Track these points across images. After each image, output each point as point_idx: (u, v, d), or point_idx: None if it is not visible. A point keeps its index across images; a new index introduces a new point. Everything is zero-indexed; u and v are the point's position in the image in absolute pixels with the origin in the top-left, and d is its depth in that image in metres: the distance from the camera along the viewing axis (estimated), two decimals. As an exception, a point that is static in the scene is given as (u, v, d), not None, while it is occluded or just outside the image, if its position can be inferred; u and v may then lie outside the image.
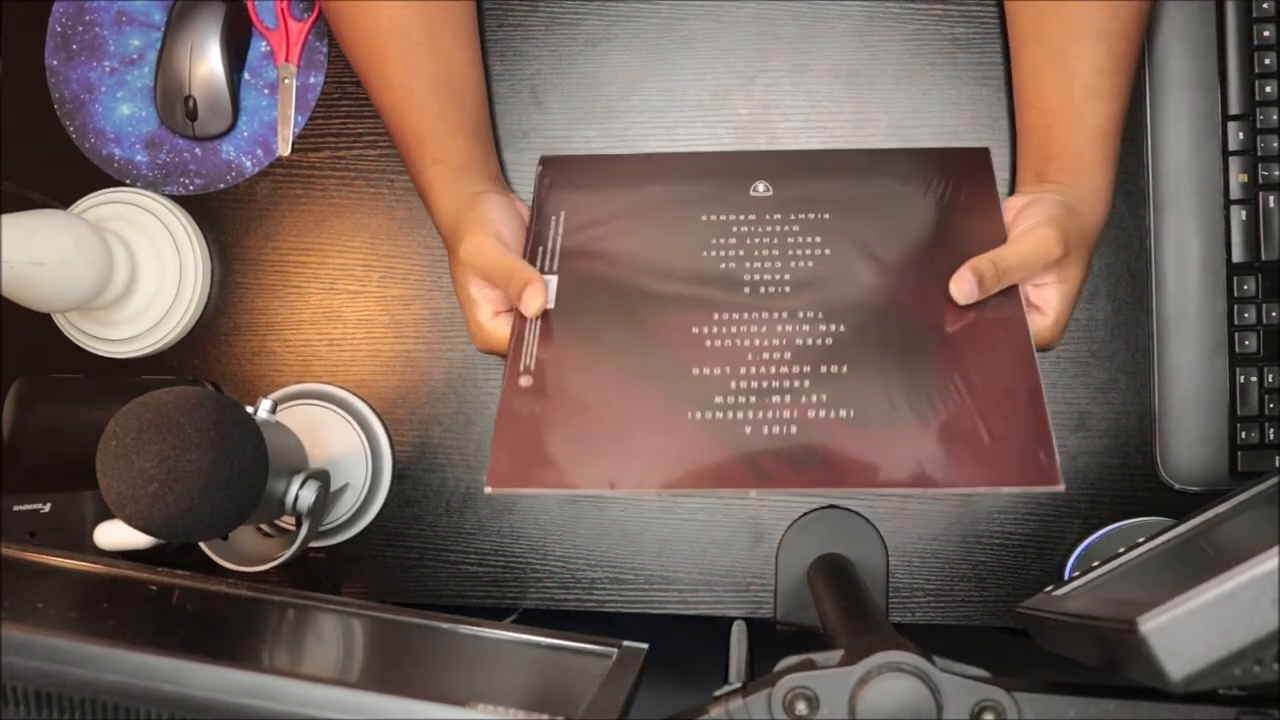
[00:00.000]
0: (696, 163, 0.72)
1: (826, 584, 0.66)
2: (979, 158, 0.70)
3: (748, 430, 0.56)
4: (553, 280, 0.64)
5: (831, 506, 0.74)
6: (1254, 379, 0.71)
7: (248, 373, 0.78)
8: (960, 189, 0.68)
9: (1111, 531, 0.71)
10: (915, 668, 0.43)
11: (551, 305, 0.63)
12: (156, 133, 0.79)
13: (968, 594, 0.74)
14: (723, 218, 0.67)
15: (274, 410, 0.65)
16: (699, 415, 0.57)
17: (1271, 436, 0.71)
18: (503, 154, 0.76)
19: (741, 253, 0.65)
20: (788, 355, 0.59)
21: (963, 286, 0.59)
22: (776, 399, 0.57)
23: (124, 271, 0.74)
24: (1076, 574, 0.53)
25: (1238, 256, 0.72)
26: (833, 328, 0.60)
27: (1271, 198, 0.71)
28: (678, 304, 0.62)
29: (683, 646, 0.68)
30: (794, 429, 0.56)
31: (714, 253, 0.65)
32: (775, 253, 0.64)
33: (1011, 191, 0.70)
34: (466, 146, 0.70)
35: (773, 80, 0.75)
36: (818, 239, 0.65)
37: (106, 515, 0.68)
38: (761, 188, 0.68)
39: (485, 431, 0.77)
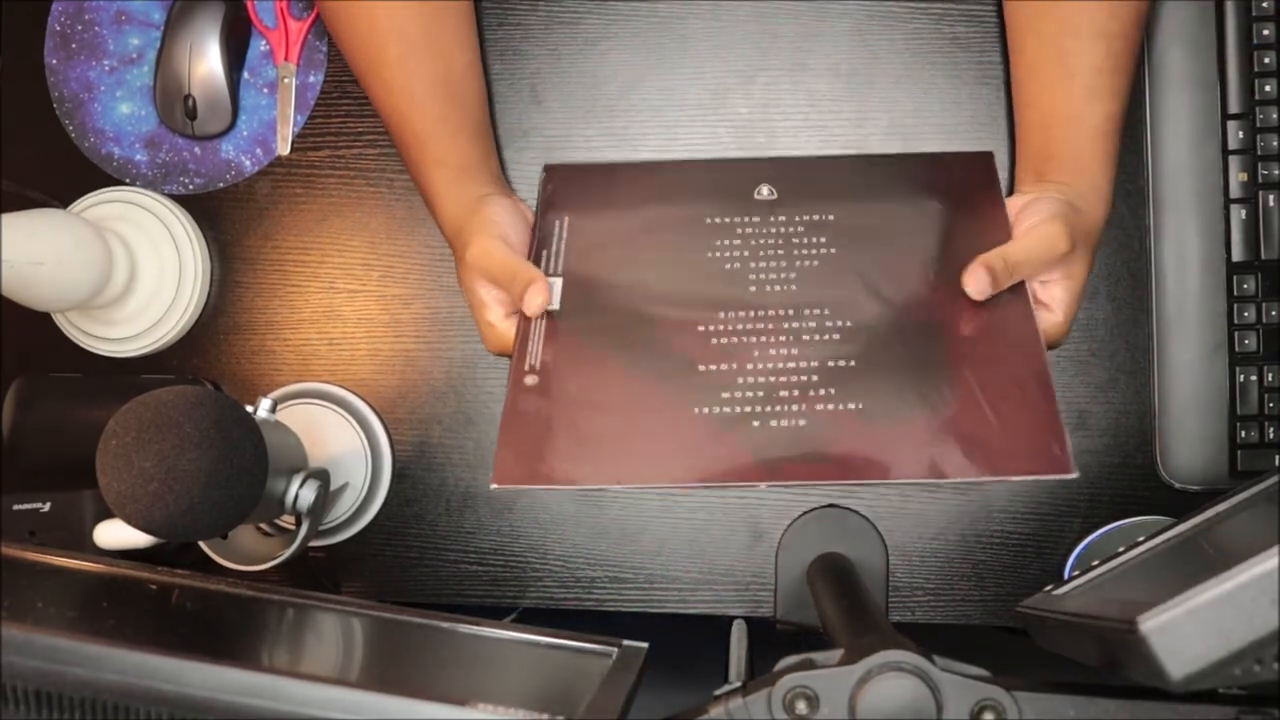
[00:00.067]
0: (700, 169, 0.73)
1: (826, 583, 0.66)
2: (983, 161, 0.70)
3: (756, 424, 0.56)
4: (557, 282, 0.64)
5: (831, 505, 0.74)
6: (1254, 378, 0.71)
7: (247, 372, 0.78)
8: (964, 191, 0.68)
9: (1111, 531, 0.71)
10: (915, 667, 0.43)
11: (556, 307, 0.63)
12: (156, 132, 0.79)
13: (967, 593, 0.74)
14: (727, 220, 0.67)
15: (274, 409, 0.65)
16: (706, 411, 0.57)
17: (1271, 435, 0.71)
18: (502, 153, 0.76)
19: (746, 253, 0.65)
20: (794, 351, 0.59)
21: (977, 281, 0.59)
22: (784, 393, 0.57)
23: (123, 271, 0.74)
24: (1076, 573, 0.53)
25: (1237, 256, 0.72)
26: (839, 323, 0.60)
27: (1271, 197, 0.71)
28: (682, 303, 0.62)
29: (683, 646, 0.68)
30: (803, 422, 0.56)
31: (718, 254, 0.65)
32: (780, 252, 0.64)
33: (1011, 191, 0.70)
34: (468, 148, 0.70)
35: (773, 79, 0.75)
36: (822, 239, 0.65)
37: (106, 515, 0.68)
38: (765, 191, 0.68)
39: (485, 431, 0.77)
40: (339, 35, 0.70)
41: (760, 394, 0.57)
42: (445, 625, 0.50)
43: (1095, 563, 0.53)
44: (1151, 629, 0.37)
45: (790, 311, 0.61)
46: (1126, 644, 0.38)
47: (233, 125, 0.78)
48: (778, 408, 0.56)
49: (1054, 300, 0.63)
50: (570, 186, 0.71)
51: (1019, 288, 0.61)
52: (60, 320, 0.78)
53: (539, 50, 0.77)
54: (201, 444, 0.56)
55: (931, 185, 0.69)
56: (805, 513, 0.74)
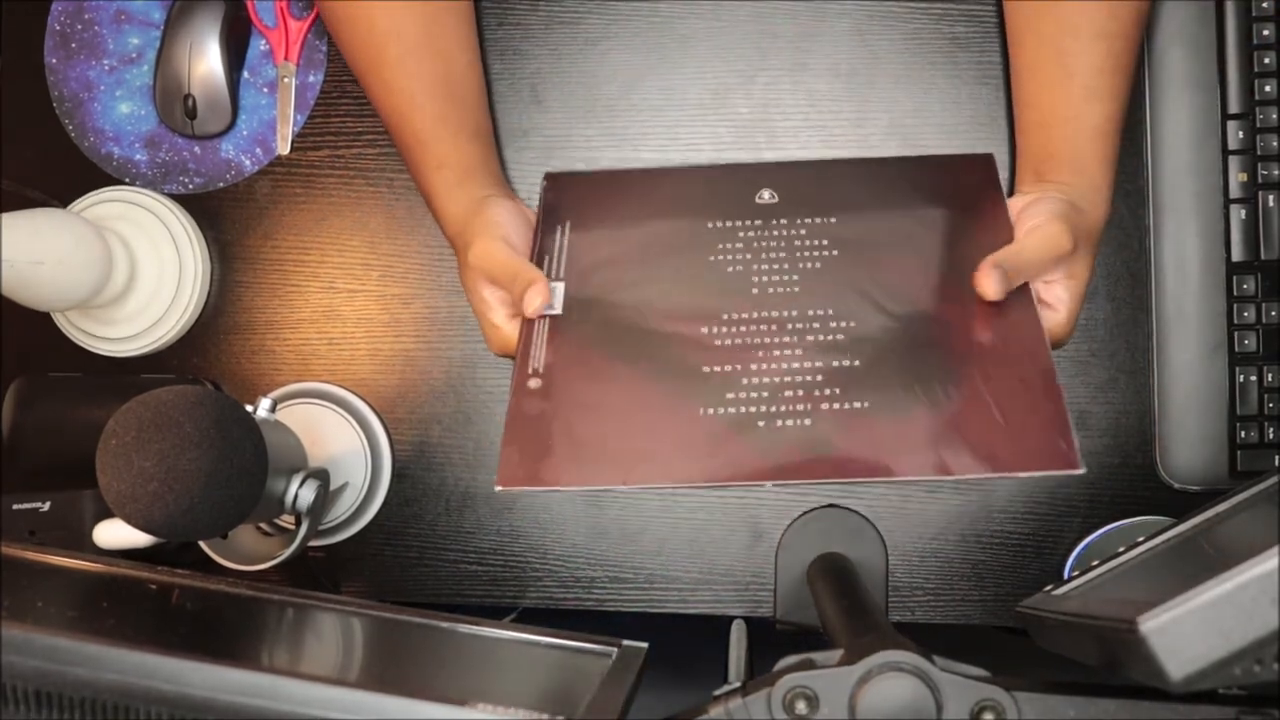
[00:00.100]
0: (701, 174, 0.73)
1: (826, 583, 0.66)
2: (984, 162, 0.70)
3: (761, 424, 0.56)
4: (559, 287, 0.64)
5: (831, 505, 0.74)
6: (1253, 378, 0.71)
7: (247, 371, 0.78)
8: (965, 192, 0.68)
9: (1111, 531, 0.71)
10: (915, 667, 0.43)
11: (558, 311, 0.63)
12: (156, 131, 0.79)
13: (967, 593, 0.74)
14: (728, 224, 0.67)
15: (273, 409, 0.65)
16: (711, 411, 0.57)
17: (1271, 436, 0.71)
18: (502, 153, 0.76)
19: (749, 256, 0.65)
20: (799, 351, 0.59)
21: (993, 282, 0.58)
22: (789, 394, 0.57)
23: (123, 270, 0.74)
24: (1076, 573, 0.53)
25: (1237, 256, 0.72)
26: (843, 324, 0.60)
27: (1271, 197, 0.71)
28: (685, 307, 0.62)
29: (682, 646, 0.68)
30: (808, 421, 0.56)
31: (721, 257, 0.65)
32: (782, 255, 0.65)
33: (1011, 192, 0.70)
34: (469, 149, 0.70)
35: (773, 79, 0.75)
36: (824, 241, 0.65)
37: (106, 514, 0.68)
38: (767, 195, 0.68)
39: (484, 430, 0.77)
40: (338, 36, 0.70)
41: (765, 394, 0.57)
42: (445, 625, 0.50)
43: (1095, 563, 0.53)
44: (1151, 629, 0.37)
45: (794, 313, 0.61)
46: (1126, 644, 0.38)
47: (232, 125, 0.78)
48: (783, 408, 0.56)
49: (1057, 300, 0.63)
50: (571, 194, 0.71)
51: (1023, 287, 0.61)
52: (60, 320, 0.78)
53: (539, 50, 0.77)
54: (201, 444, 0.56)
55: (933, 187, 0.69)
56: (805, 513, 0.74)
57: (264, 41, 0.79)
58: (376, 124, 0.77)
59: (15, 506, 0.70)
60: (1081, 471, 0.52)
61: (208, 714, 0.38)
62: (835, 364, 0.58)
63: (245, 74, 0.79)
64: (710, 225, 0.67)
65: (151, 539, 0.65)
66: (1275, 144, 0.71)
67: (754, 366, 0.58)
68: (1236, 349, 0.71)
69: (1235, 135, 0.72)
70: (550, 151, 0.76)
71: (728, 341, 0.60)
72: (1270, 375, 0.71)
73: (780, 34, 0.75)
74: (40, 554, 0.51)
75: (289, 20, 0.78)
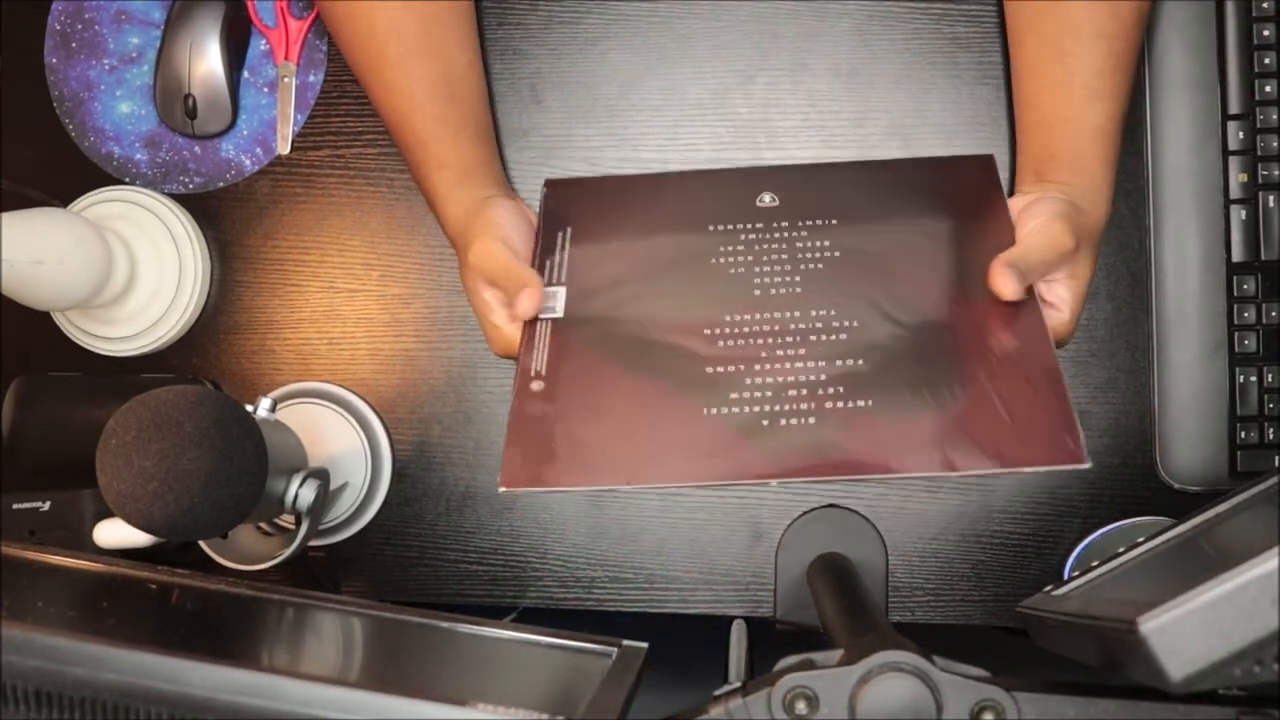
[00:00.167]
0: (701, 178, 0.73)
1: (826, 583, 0.66)
2: (984, 163, 0.70)
3: (765, 423, 0.56)
4: (561, 290, 0.64)
5: (831, 505, 0.74)
6: (1254, 379, 0.71)
7: (247, 371, 0.78)
8: (967, 193, 0.68)
9: (1111, 531, 0.71)
10: (915, 667, 0.43)
11: (560, 314, 0.63)
12: (156, 131, 0.79)
13: (967, 593, 0.74)
14: (729, 227, 0.67)
15: (273, 409, 0.65)
16: (714, 411, 0.57)
17: (1271, 436, 0.71)
18: (502, 153, 0.76)
19: (750, 258, 0.65)
20: (802, 351, 0.59)
21: (1011, 282, 0.58)
22: (793, 393, 0.57)
23: (123, 270, 0.74)
24: (1076, 574, 0.53)
25: (1237, 256, 0.72)
26: (846, 324, 0.60)
27: (1271, 197, 0.71)
28: (687, 308, 0.62)
29: (682, 646, 0.68)
30: (812, 420, 0.56)
31: (722, 260, 0.65)
32: (784, 256, 0.65)
33: (1011, 192, 0.70)
34: (470, 149, 0.70)
35: (773, 79, 0.75)
36: (826, 242, 0.65)
37: (106, 514, 0.68)
38: (768, 198, 0.68)
39: (485, 430, 0.77)
40: (339, 36, 0.70)
41: (769, 394, 0.57)
42: (445, 625, 0.50)
43: (1095, 563, 0.53)
44: (1151, 629, 0.37)
45: (796, 313, 0.61)
46: (1126, 644, 0.38)
47: (233, 124, 0.78)
48: (787, 407, 0.56)
49: (1059, 299, 0.63)
50: (572, 199, 0.71)
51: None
52: (60, 319, 0.78)
53: (539, 50, 0.77)
54: (201, 443, 0.56)
55: (933, 188, 0.69)
56: (805, 513, 0.74)
57: (264, 41, 0.79)
58: (377, 124, 0.77)
59: (15, 506, 0.70)
60: (1087, 466, 0.52)
61: (208, 714, 0.38)
62: (839, 363, 0.58)
63: (245, 74, 0.79)
64: (711, 229, 0.67)
65: (151, 539, 0.65)
66: (1275, 144, 0.71)
67: (757, 367, 0.58)
68: (1236, 349, 0.71)
69: (1235, 135, 0.72)
70: (550, 151, 0.76)
71: (730, 343, 0.60)
72: (1270, 376, 0.71)
73: (780, 34, 0.75)
74: (40, 554, 0.51)
75: (289, 20, 0.78)
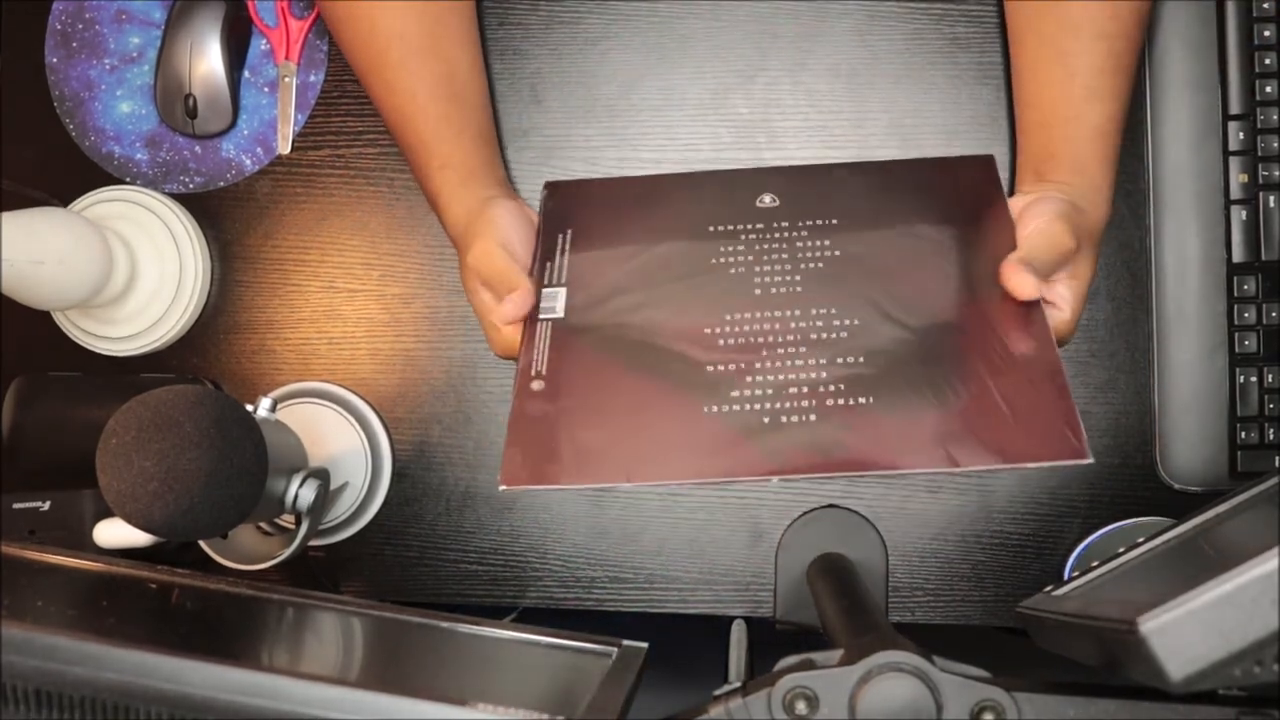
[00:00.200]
0: (701, 180, 0.73)
1: (826, 583, 0.66)
2: (984, 163, 0.70)
3: (766, 420, 0.56)
4: (561, 291, 0.64)
5: (831, 505, 0.74)
6: (1254, 379, 0.71)
7: (247, 371, 0.78)
8: (967, 192, 0.68)
9: (1111, 531, 0.71)
10: (915, 667, 0.43)
11: (561, 315, 0.63)
12: (156, 131, 0.79)
13: (967, 593, 0.74)
14: (730, 227, 0.67)
15: (274, 409, 0.65)
16: (715, 409, 0.57)
17: (1271, 436, 0.71)
18: (503, 153, 0.76)
19: (750, 258, 0.65)
20: (803, 349, 0.59)
21: (1025, 279, 0.58)
22: (794, 390, 0.57)
23: (124, 270, 0.74)
24: (1076, 574, 0.53)
25: (1238, 256, 0.72)
26: (847, 322, 0.60)
27: (1271, 198, 0.71)
28: (687, 308, 0.62)
29: (683, 646, 0.68)
30: (813, 417, 0.56)
31: (722, 260, 0.65)
32: (784, 256, 0.65)
33: (1011, 192, 0.70)
34: (473, 149, 0.70)
35: (773, 79, 0.75)
36: (826, 242, 0.65)
37: (106, 513, 0.68)
38: (768, 199, 0.68)
39: (485, 430, 0.77)
40: (340, 37, 0.70)
41: (769, 392, 0.57)
42: (445, 625, 0.50)
43: (1095, 563, 0.53)
44: (1151, 629, 0.37)
45: (797, 313, 0.61)
46: (1126, 644, 0.38)
47: (233, 124, 0.78)
48: (788, 405, 0.56)
49: (1060, 298, 0.63)
50: (572, 200, 0.71)
51: None
52: (60, 319, 0.78)
53: (539, 50, 0.77)
54: (201, 443, 0.56)
55: (934, 188, 0.69)
56: (805, 513, 0.74)
57: (265, 41, 0.79)
58: (377, 123, 0.77)
59: (15, 506, 0.70)
60: (1089, 461, 0.52)
61: (208, 714, 0.38)
62: (840, 361, 0.58)
63: (246, 73, 0.79)
64: (711, 229, 0.67)
65: (151, 538, 0.65)
66: (1276, 145, 0.71)
67: (758, 365, 0.59)
68: (1237, 350, 0.71)
69: (1236, 136, 0.72)
70: (550, 151, 0.76)
71: (730, 341, 0.60)
72: (1270, 376, 0.71)
73: (780, 34, 0.75)
74: (40, 553, 0.51)
75: (290, 20, 0.78)
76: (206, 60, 0.77)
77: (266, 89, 0.79)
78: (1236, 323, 0.71)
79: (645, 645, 0.47)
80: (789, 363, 0.58)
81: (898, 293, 0.62)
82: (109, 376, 0.78)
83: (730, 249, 0.66)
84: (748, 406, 0.57)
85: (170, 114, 0.78)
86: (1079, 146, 0.66)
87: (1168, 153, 0.73)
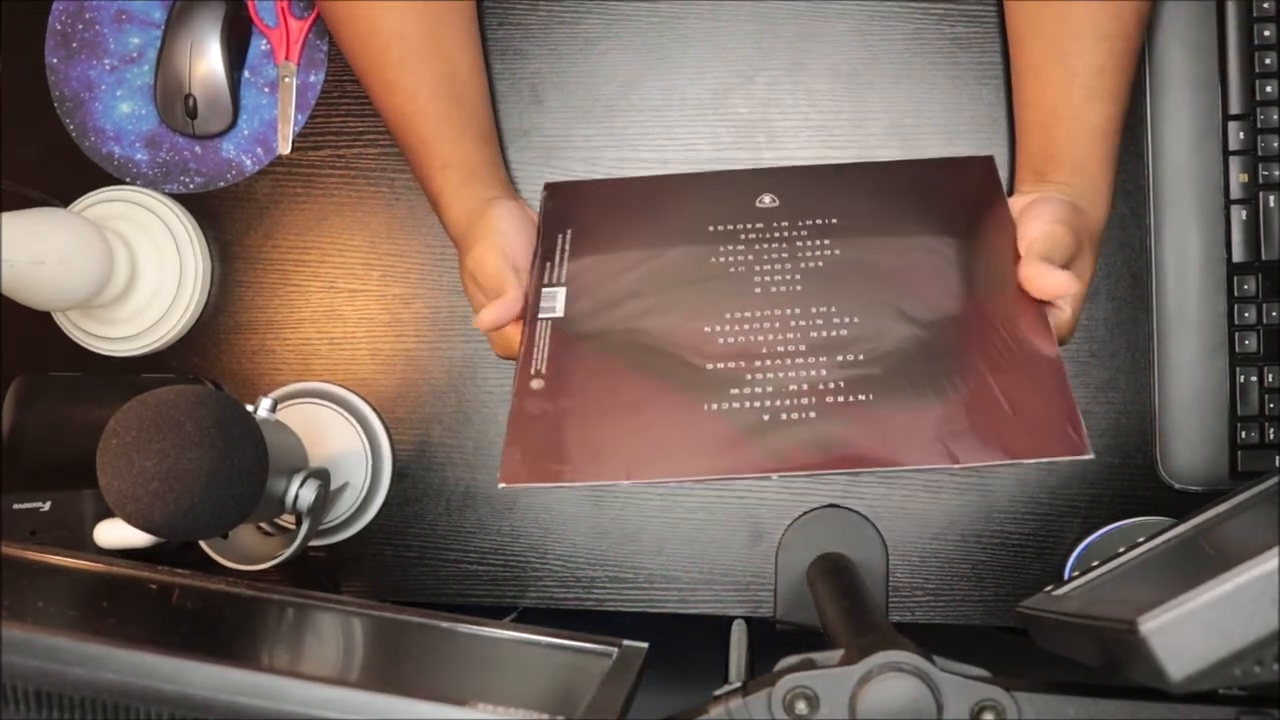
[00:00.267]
0: (701, 180, 0.73)
1: (826, 583, 0.66)
2: (984, 164, 0.70)
3: (765, 418, 0.56)
4: (561, 291, 0.64)
5: (831, 505, 0.74)
6: (1254, 379, 0.71)
7: (248, 371, 0.78)
8: (967, 192, 0.68)
9: (1111, 531, 0.71)
10: (915, 667, 0.43)
11: (561, 314, 0.63)
12: (156, 131, 0.79)
13: (967, 593, 0.74)
14: (729, 227, 0.67)
15: (274, 409, 0.65)
16: (715, 406, 0.57)
17: (1271, 436, 0.71)
18: (503, 153, 0.76)
19: (750, 257, 0.65)
20: (802, 348, 0.59)
21: (1057, 278, 0.58)
22: (794, 387, 0.57)
23: (124, 270, 0.74)
24: (1076, 574, 0.53)
25: (1238, 256, 0.72)
26: (847, 320, 0.60)
27: (1272, 197, 0.71)
28: (687, 307, 0.63)
29: (683, 646, 0.68)
30: (813, 414, 0.56)
31: (722, 259, 0.65)
32: (784, 255, 0.65)
33: (1010, 192, 0.70)
34: (474, 150, 0.70)
35: (773, 79, 0.75)
36: (826, 241, 0.65)
37: (106, 514, 0.68)
38: (768, 199, 0.68)
39: (485, 430, 0.77)
40: (340, 37, 0.70)
41: (770, 390, 0.57)
42: (445, 625, 0.50)
43: (1095, 563, 0.53)
44: (1151, 629, 0.37)
45: (796, 311, 0.61)
46: (1126, 644, 0.38)
47: (233, 124, 0.78)
48: (788, 402, 0.56)
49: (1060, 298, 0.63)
50: (572, 201, 0.71)
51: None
52: (60, 319, 0.78)
53: (539, 50, 0.77)
54: (202, 443, 0.56)
55: (934, 188, 0.69)
56: (805, 513, 0.74)
57: (265, 41, 0.79)
58: (377, 123, 0.77)
59: (15, 506, 0.70)
60: (1090, 457, 0.52)
61: (208, 714, 0.38)
62: (840, 359, 0.58)
63: (246, 73, 0.79)
64: (711, 229, 0.67)
65: (152, 539, 0.65)
66: (1276, 145, 0.71)
67: (758, 363, 0.59)
68: (1237, 349, 0.71)
69: (1236, 136, 0.72)
70: (550, 151, 0.76)
71: (730, 340, 0.60)
72: (1271, 376, 0.71)
73: (780, 34, 0.75)
74: (40, 554, 0.51)
75: (290, 20, 0.78)
76: (206, 60, 0.77)
77: (266, 89, 0.79)
78: (1237, 322, 0.71)
79: (645, 645, 0.47)
80: (789, 361, 0.59)
81: (898, 291, 0.62)
82: (109, 376, 0.78)
83: (730, 249, 0.66)
84: (748, 404, 0.57)
85: (170, 114, 0.78)
86: (1079, 146, 0.66)
87: (1168, 152, 0.73)
